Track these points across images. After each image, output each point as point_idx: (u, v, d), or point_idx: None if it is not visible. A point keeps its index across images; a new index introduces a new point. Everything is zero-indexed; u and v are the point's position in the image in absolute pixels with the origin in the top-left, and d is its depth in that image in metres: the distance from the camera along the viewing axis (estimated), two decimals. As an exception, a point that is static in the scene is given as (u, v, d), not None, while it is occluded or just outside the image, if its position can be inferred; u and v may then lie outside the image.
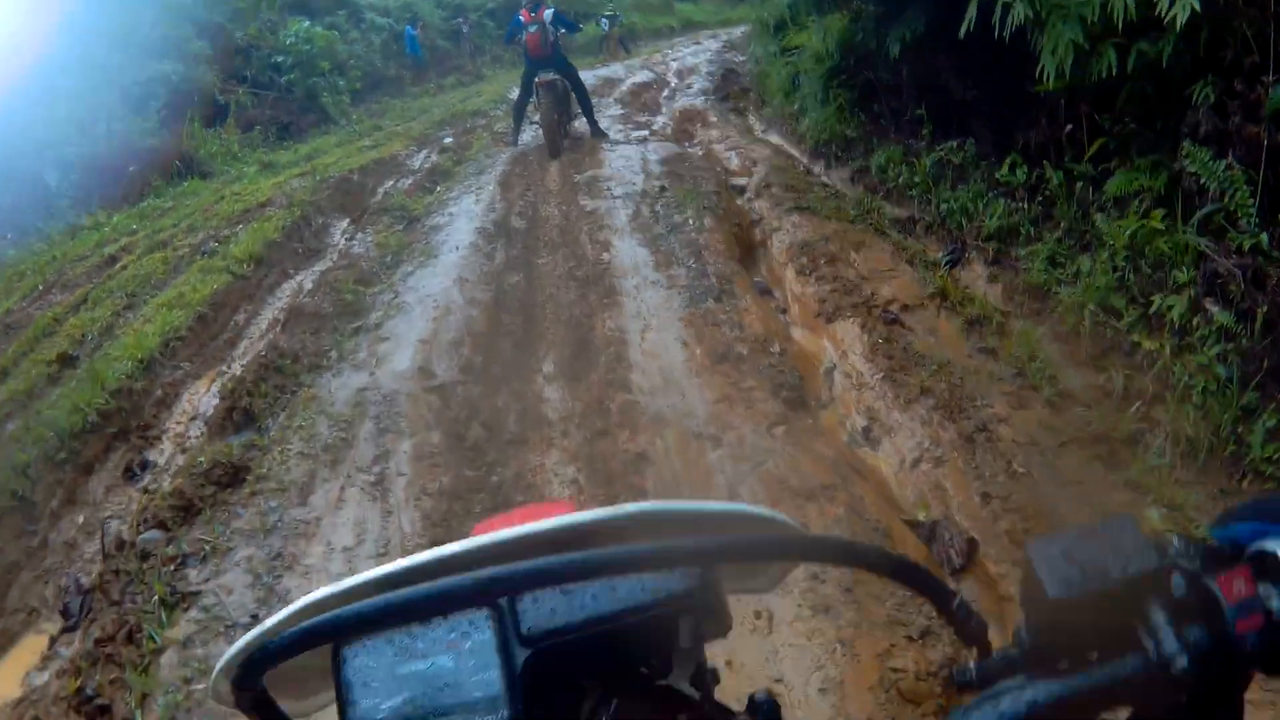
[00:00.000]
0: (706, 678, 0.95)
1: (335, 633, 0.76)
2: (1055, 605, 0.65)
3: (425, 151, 14.29)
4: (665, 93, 18.52)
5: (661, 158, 11.68)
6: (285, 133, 18.95)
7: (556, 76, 12.99)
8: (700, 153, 12.44)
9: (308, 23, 21.17)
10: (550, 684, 0.85)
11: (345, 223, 10.57)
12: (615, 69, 22.02)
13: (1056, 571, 0.66)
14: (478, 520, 2.20)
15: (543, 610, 0.84)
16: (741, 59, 21.36)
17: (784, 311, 7.51)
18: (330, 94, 20.66)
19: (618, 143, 13.25)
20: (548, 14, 13.01)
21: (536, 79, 12.82)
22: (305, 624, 0.75)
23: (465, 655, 0.82)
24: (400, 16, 26.37)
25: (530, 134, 14.23)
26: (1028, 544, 0.69)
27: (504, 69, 25.63)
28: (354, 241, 9.65)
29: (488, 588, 0.73)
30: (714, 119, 14.50)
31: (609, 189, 10.49)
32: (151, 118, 17.03)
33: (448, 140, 15.21)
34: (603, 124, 14.14)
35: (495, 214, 10.04)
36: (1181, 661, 0.62)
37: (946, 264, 7.54)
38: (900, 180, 9.01)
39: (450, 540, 0.85)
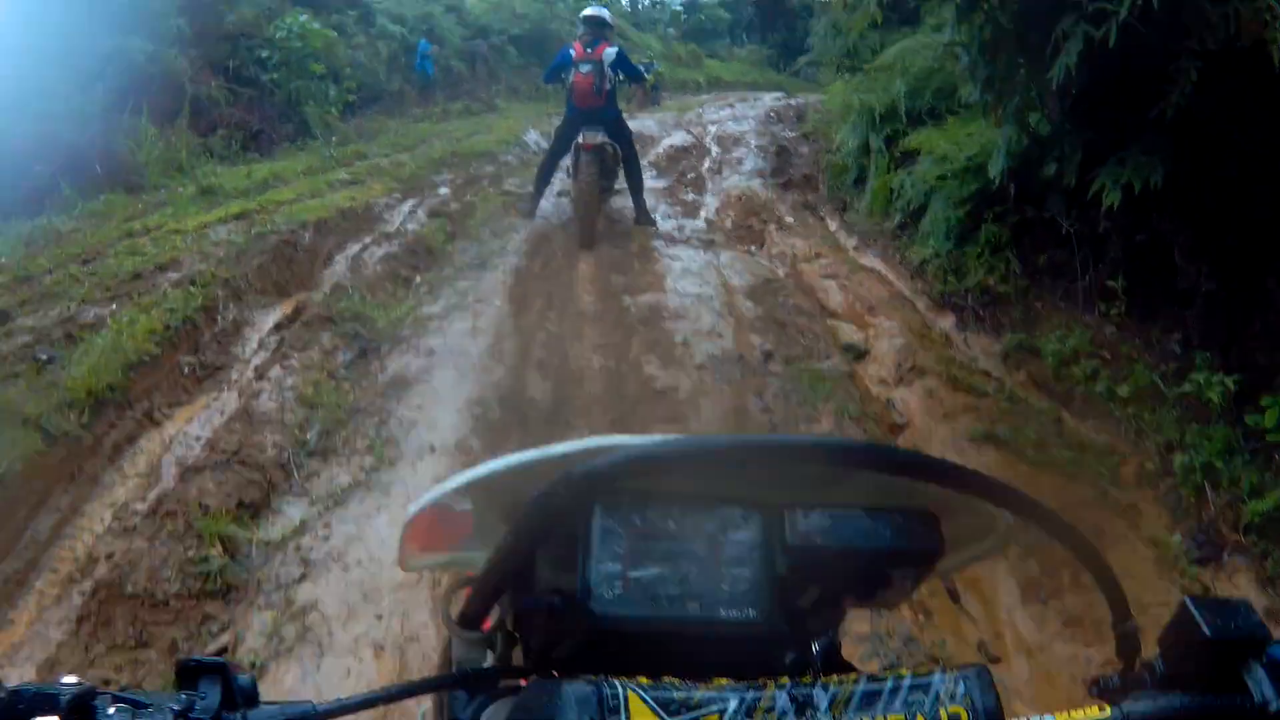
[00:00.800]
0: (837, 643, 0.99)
1: (652, 467, 0.79)
2: (1205, 643, 0.80)
3: (412, 204, 10.60)
4: (708, 163, 14.94)
5: (746, 284, 8.08)
6: (253, 142, 15.24)
7: (606, 140, 9.41)
8: (784, 272, 8.84)
9: (304, 17, 17.42)
10: (795, 594, 0.94)
11: (269, 323, 6.76)
12: (646, 123, 18.41)
13: (1209, 619, 0.81)
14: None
15: (811, 525, 0.91)
16: (792, 135, 17.88)
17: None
18: (316, 103, 16.92)
19: (673, 239, 9.64)
20: (609, 53, 9.47)
21: (580, 138, 9.23)
22: (627, 455, 0.78)
23: (724, 547, 0.91)
24: (416, 28, 22.78)
25: (550, 202, 10.61)
26: (1185, 598, 0.83)
27: (519, 102, 22.02)
28: (265, 380, 5.64)
29: (839, 456, 0.85)
30: (787, 217, 10.87)
31: (682, 343, 6.68)
32: (93, 102, 13.28)
33: (443, 190, 11.53)
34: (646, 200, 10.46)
35: (502, 368, 6.15)
36: (1276, 705, 0.79)
37: (1193, 560, 4.42)
38: (1096, 385, 5.75)
39: None
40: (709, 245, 9.41)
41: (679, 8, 47.30)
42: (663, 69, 30.94)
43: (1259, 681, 0.80)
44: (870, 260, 9.29)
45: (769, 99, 26.36)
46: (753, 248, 9.84)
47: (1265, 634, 0.82)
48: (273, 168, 12.64)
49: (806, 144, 16.90)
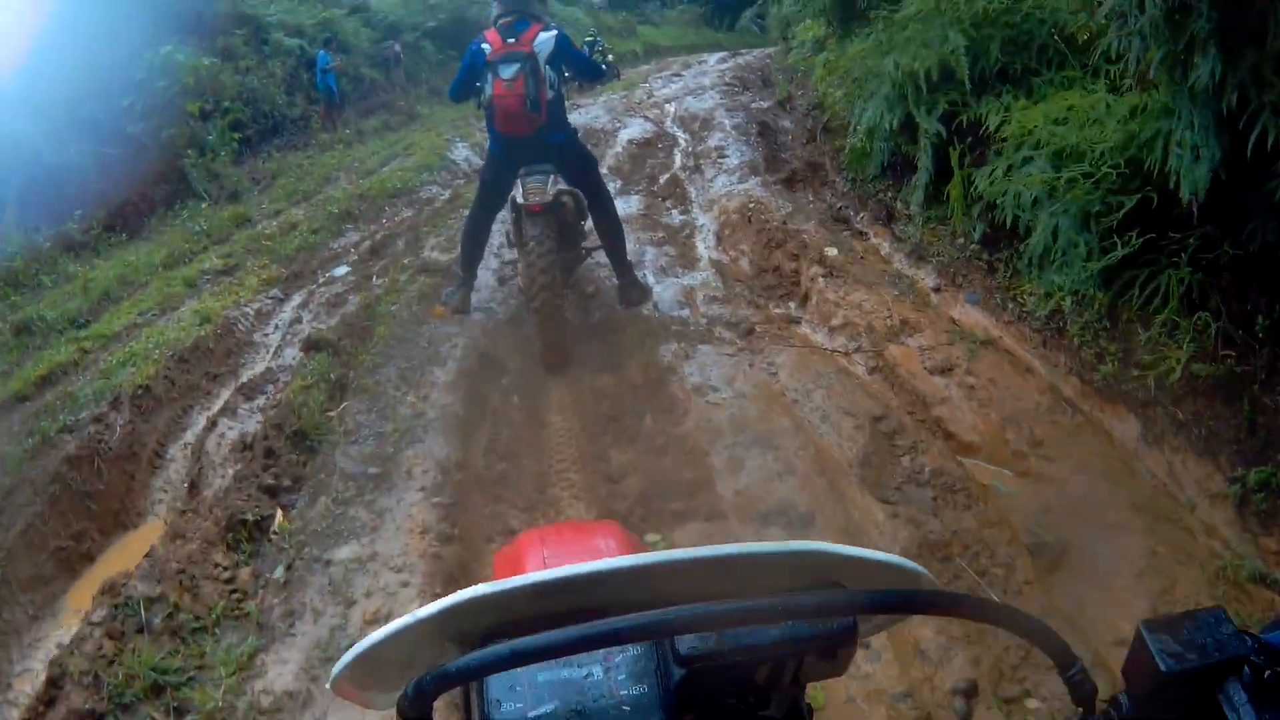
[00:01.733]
0: (804, 712, 0.98)
1: (516, 664, 0.74)
2: (1163, 678, 0.71)
3: (293, 311, 7.03)
4: (681, 159, 11.26)
5: (846, 433, 4.51)
6: (120, 219, 11.55)
7: (561, 187, 5.76)
8: (866, 369, 5.32)
9: (167, 48, 13.56)
10: (694, 702, 0.89)
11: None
12: (593, 111, 14.65)
13: (1167, 649, 0.71)
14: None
15: (704, 637, 0.85)
16: (766, 105, 14.21)
17: None
18: (195, 152, 13.13)
19: (685, 331, 5.94)
20: (544, 41, 5.73)
21: (520, 193, 5.60)
22: (489, 655, 0.73)
23: (618, 668, 0.89)
24: (317, 38, 18.89)
25: (488, 277, 7.02)
26: (1140, 624, 0.73)
27: (443, 105, 18.08)
28: None
29: (660, 629, 0.73)
30: (824, 245, 7.12)
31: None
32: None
33: (340, 271, 7.88)
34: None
35: None
36: None
37: None
38: None
39: None
40: (746, 332, 5.79)
41: (604, -27, 43.06)
42: (607, 43, 27.28)
43: (1238, 707, 0.71)
44: (969, 314, 5.78)
45: (714, 61, 22.70)
46: (797, 311, 6.31)
47: (1242, 648, 0.73)
48: (126, 263, 9.02)
49: (786, 115, 13.27)
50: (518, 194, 5.59)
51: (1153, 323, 4.28)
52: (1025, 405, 4.69)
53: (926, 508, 3.94)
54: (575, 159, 6.08)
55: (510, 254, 6.77)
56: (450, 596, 0.83)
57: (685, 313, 6.18)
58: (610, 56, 23.91)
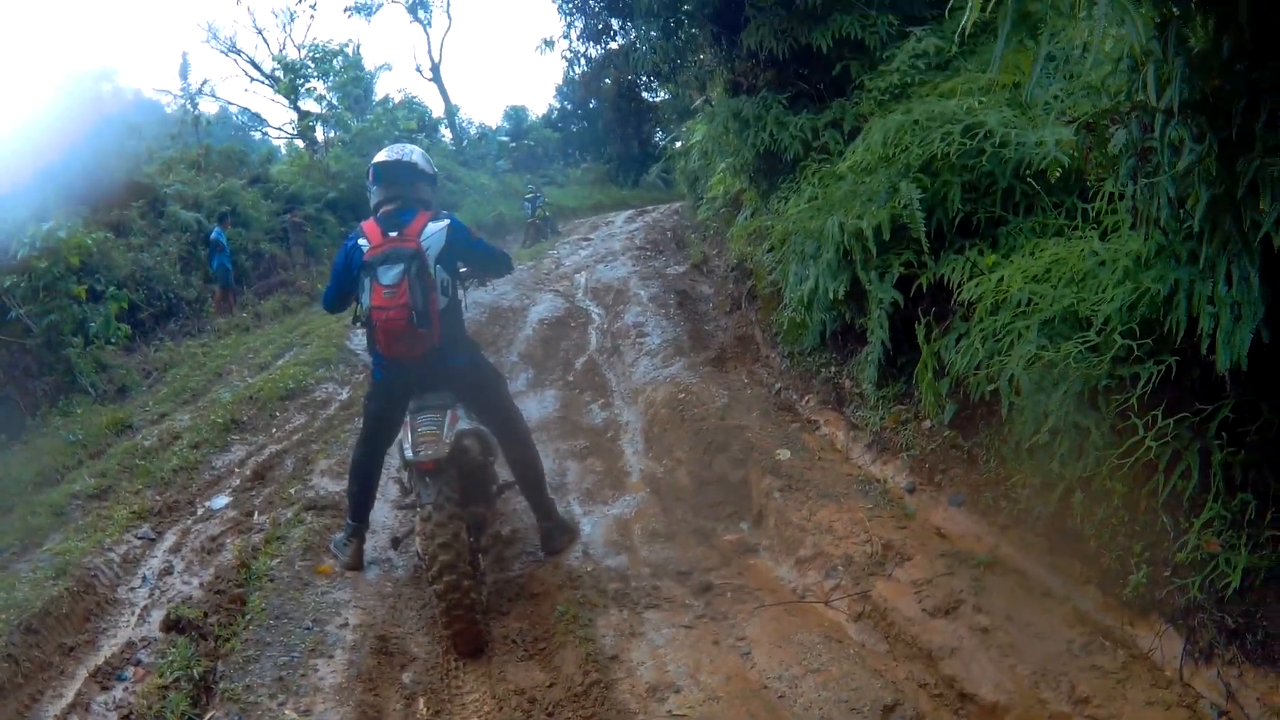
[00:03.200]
0: None
1: None
2: None
3: (160, 559, 5.83)
4: (597, 339, 10.37)
5: None
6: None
7: (463, 427, 4.75)
8: (849, 616, 4.33)
9: (49, 224, 12.32)
10: None
11: None
12: (502, 289, 13.63)
13: None
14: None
15: None
16: (681, 269, 13.43)
17: None
18: (80, 341, 11.81)
19: (625, 591, 4.72)
20: (432, 233, 4.69)
21: (409, 445, 4.52)
22: None
23: None
24: (215, 210, 17.89)
25: (384, 519, 5.89)
26: None
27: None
28: None
29: None
30: (773, 446, 6.06)
31: None
32: None
33: (219, 503, 6.66)
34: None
35: None
36: None
37: None
38: None
39: None
40: (702, 589, 4.66)
41: (505, 138, 42.86)
42: (501, 207, 26.78)
43: None
44: (956, 521, 4.76)
45: (622, 221, 22.16)
46: (752, 535, 5.27)
47: None
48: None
49: (704, 279, 12.50)
50: (407, 444, 4.49)
51: (1183, 513, 3.42)
52: (1054, 646, 3.67)
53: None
54: (478, 384, 5.01)
55: (409, 497, 5.59)
56: None
57: (623, 560, 5.06)
58: (549, 212, 23.64)
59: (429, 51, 66.99)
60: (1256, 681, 3.10)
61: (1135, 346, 3.47)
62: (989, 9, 2.82)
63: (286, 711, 3.83)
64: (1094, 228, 4.33)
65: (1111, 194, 3.97)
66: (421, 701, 4.00)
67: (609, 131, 36.70)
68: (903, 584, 4.34)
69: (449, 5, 43.47)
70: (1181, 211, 3.06)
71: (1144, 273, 3.53)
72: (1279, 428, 3.18)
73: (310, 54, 32.15)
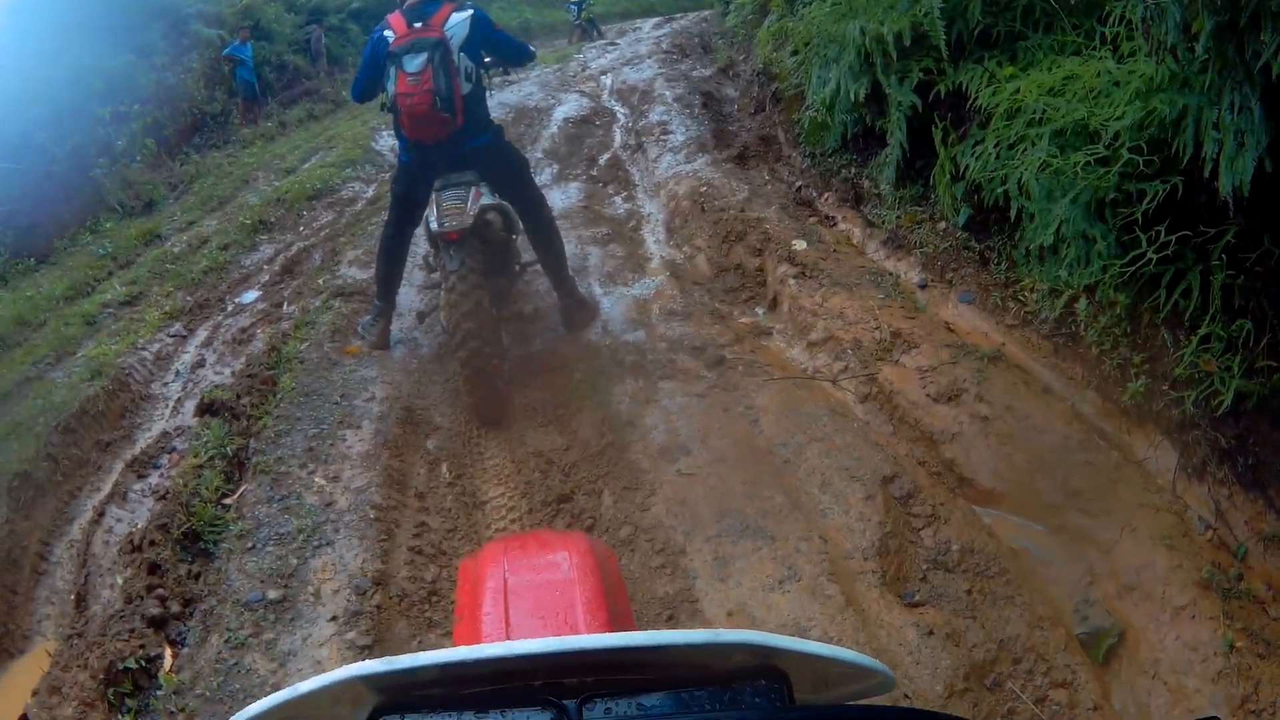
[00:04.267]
0: None
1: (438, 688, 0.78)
2: None
3: (192, 353, 6.05)
4: (621, 137, 10.22)
5: (853, 508, 3.44)
6: (25, 244, 10.30)
7: (487, 202, 4.77)
8: (857, 395, 4.42)
9: (74, 51, 12.25)
10: None
11: None
12: (528, 89, 13.47)
13: None
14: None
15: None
16: (708, 73, 13.12)
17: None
18: (107, 160, 11.85)
19: (642, 362, 4.86)
20: (457, 23, 4.68)
21: (435, 217, 4.60)
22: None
23: None
24: (236, 26, 17.49)
25: (409, 302, 5.98)
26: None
27: (370, 90, 16.83)
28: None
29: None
30: (790, 237, 6.03)
31: None
32: None
33: (249, 298, 6.83)
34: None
35: None
36: None
37: None
38: None
39: None
40: (715, 361, 4.74)
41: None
42: (528, 13, 26.03)
43: None
44: (965, 317, 4.80)
45: (650, 28, 21.54)
46: (767, 320, 5.35)
47: None
48: (25, 298, 7.98)
49: (730, 83, 12.22)
50: (432, 217, 4.56)
51: (1184, 330, 3.41)
52: (1051, 440, 3.75)
53: (962, 606, 3.01)
54: (501, 164, 5.02)
55: (435, 274, 5.70)
56: (330, 674, 0.85)
57: (640, 335, 5.14)
58: (593, 14, 23.22)
59: None
60: (1245, 505, 3.17)
61: (1142, 163, 3.42)
62: None
63: (317, 479, 4.01)
64: (1112, 50, 4.22)
65: (1130, 20, 3.85)
66: (445, 466, 4.18)
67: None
68: (908, 369, 4.41)
69: None
70: (1188, 38, 2.97)
71: (1155, 95, 3.45)
72: (1279, 258, 3.15)
73: None
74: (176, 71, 15.63)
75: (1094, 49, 4.40)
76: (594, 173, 8.98)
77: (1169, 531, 3.20)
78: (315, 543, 3.55)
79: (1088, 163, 3.64)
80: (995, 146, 4.31)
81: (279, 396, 4.81)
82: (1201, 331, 3.29)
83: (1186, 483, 3.39)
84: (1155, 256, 3.35)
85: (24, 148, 11.47)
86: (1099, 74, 4.01)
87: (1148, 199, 3.38)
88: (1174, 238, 3.30)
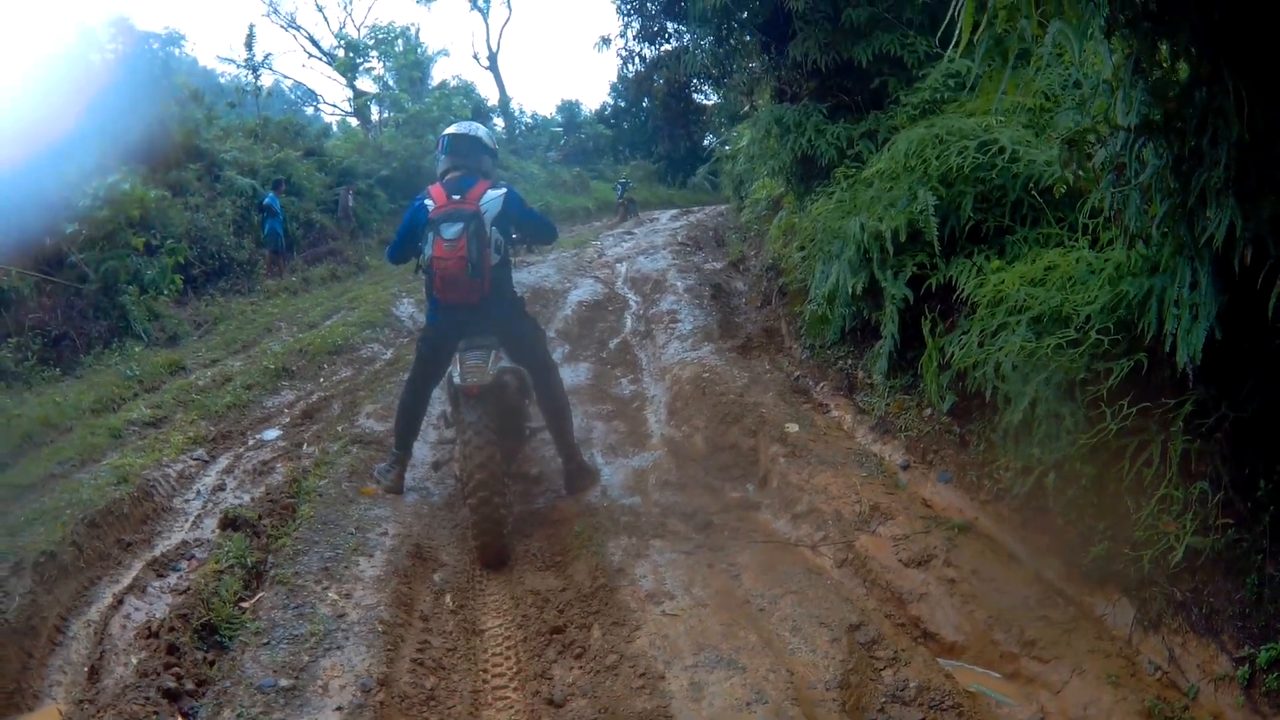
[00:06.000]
0: None
1: None
2: None
3: (213, 477, 6.61)
4: (632, 323, 10.98)
5: (820, 648, 3.87)
6: (54, 351, 10.93)
7: (504, 366, 5.43)
8: (834, 561, 4.92)
9: (114, 178, 13.09)
10: None
11: None
12: (545, 271, 14.39)
13: None
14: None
15: None
16: (719, 265, 14.07)
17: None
18: (136, 289, 12.59)
19: (637, 514, 5.44)
20: (491, 199, 5.44)
21: (458, 373, 5.24)
22: None
23: None
24: (269, 179, 18.60)
25: (423, 453, 6.58)
26: None
27: (392, 256, 17.78)
28: None
29: None
30: (784, 420, 6.61)
31: None
32: None
33: (270, 435, 7.41)
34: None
35: None
36: None
37: None
38: None
39: None
40: (703, 525, 5.29)
41: (558, 128, 43.63)
42: (550, 197, 27.49)
43: None
44: (942, 494, 5.39)
45: (667, 219, 22.78)
46: (756, 494, 5.90)
47: None
48: (54, 403, 8.43)
49: (740, 276, 13.11)
50: (455, 372, 5.18)
51: (1145, 495, 3.89)
52: (1012, 599, 4.24)
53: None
54: (520, 331, 5.69)
55: (449, 431, 6.29)
56: None
57: (636, 500, 5.70)
58: (635, 196, 25.54)
59: (487, 40, 67.96)
60: (1199, 650, 3.58)
61: (1108, 343, 4.00)
62: (976, 36, 3.36)
63: (331, 594, 4.49)
64: (1091, 241, 4.85)
65: (1104, 210, 4.50)
66: (448, 596, 4.65)
67: (659, 131, 37.38)
68: (884, 538, 4.94)
69: (509, -3, 43.96)
70: (1147, 220, 3.58)
71: (1124, 280, 4.07)
72: (1234, 422, 3.63)
73: (372, 34, 33.07)
74: (209, 215, 16.50)
75: (1074, 240, 5.02)
76: (603, 355, 9.66)
77: (1118, 672, 3.63)
78: (326, 645, 4.00)
79: (1059, 345, 4.22)
80: (980, 335, 4.89)
81: (298, 522, 5.31)
82: (1160, 493, 3.79)
83: (1143, 634, 3.81)
84: (1116, 428, 3.89)
85: (58, 263, 12.24)
86: (1077, 261, 4.62)
87: (1114, 376, 3.95)
88: (1134, 410, 3.84)
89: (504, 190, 5.51)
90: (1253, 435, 3.60)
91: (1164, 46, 3.22)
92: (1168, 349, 3.56)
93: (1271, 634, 3.34)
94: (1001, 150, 5.65)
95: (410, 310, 12.31)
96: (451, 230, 5.25)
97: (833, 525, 5.17)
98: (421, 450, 6.52)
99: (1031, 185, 5.57)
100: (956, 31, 3.29)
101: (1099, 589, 4.15)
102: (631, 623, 4.14)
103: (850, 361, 7.44)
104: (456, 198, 5.36)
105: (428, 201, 5.44)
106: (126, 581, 5.00)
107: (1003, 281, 5.00)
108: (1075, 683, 3.68)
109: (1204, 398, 3.70)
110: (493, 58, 41.09)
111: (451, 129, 5.78)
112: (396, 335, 11.07)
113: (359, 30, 34.02)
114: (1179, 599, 3.72)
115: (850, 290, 6.66)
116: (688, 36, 12.54)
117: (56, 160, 13.36)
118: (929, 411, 5.97)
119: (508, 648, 4.23)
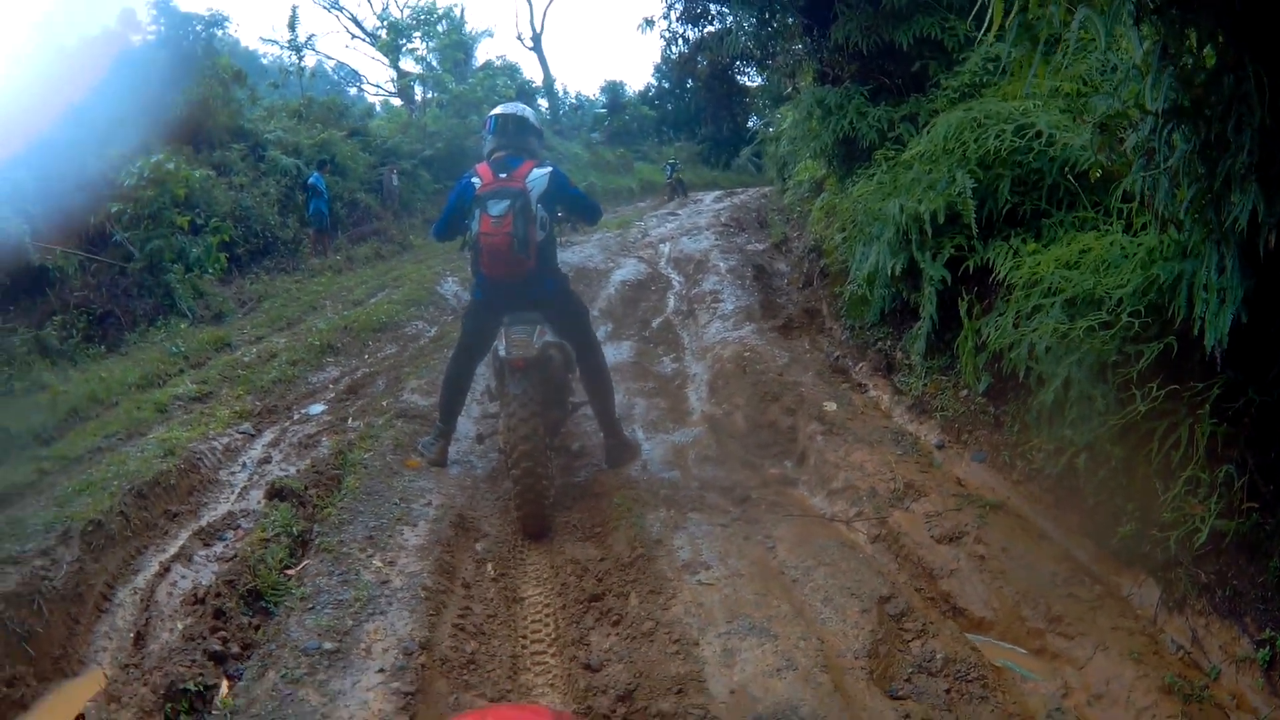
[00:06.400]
0: None
1: None
2: None
3: (259, 450, 6.85)
4: (674, 303, 11.11)
5: (850, 618, 3.96)
6: (98, 329, 11.27)
7: (549, 340, 5.60)
8: (868, 535, 5.04)
9: (158, 157, 13.40)
10: None
11: None
12: (589, 252, 14.57)
13: None
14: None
15: None
16: (761, 247, 14.18)
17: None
18: (183, 266, 12.92)
19: (675, 496, 5.53)
20: (537, 177, 5.53)
21: (503, 346, 5.38)
22: None
23: None
24: (313, 159, 18.84)
25: (468, 428, 6.78)
26: None
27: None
28: None
29: None
30: (822, 399, 6.82)
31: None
32: None
33: (316, 410, 7.65)
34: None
35: None
36: None
37: None
38: None
39: None
40: (741, 499, 5.48)
41: (602, 110, 43.75)
42: (594, 178, 27.61)
43: None
44: (976, 473, 5.51)
45: (710, 200, 22.87)
46: (794, 471, 6.04)
47: None
48: (99, 379, 8.72)
49: (782, 258, 13.20)
50: (501, 346, 5.34)
51: (1173, 478, 3.96)
52: (1040, 577, 4.34)
53: (939, 702, 3.58)
54: (564, 307, 5.83)
55: (493, 405, 6.47)
56: None
57: (676, 475, 5.86)
58: (683, 176, 25.82)
59: (531, 21, 68.22)
60: (1221, 631, 3.68)
61: (1139, 326, 4.08)
62: (1008, 21, 3.45)
63: (375, 561, 4.68)
64: (1125, 225, 4.92)
65: (1136, 195, 4.56)
66: (490, 565, 4.84)
67: (703, 112, 37.47)
68: (916, 515, 5.06)
69: (554, -23, 44.11)
70: (1177, 205, 3.66)
71: (1156, 264, 4.15)
72: (1260, 406, 3.71)
73: (415, 15, 33.29)
74: (254, 194, 16.80)
75: (1109, 223, 5.10)
76: (646, 334, 9.82)
77: (1141, 650, 3.73)
78: (370, 610, 4.19)
79: (1091, 327, 4.31)
80: (1015, 316, 5.00)
81: (343, 493, 5.51)
82: (1186, 475, 3.87)
83: (1167, 615, 3.91)
84: (1145, 410, 3.97)
85: (103, 242, 12.58)
86: (1111, 245, 4.71)
87: (1144, 359, 4.04)
88: (1163, 392, 3.92)
89: (549, 169, 5.64)
90: (1278, 420, 3.68)
91: (1191, 33, 3.29)
92: (1197, 333, 3.64)
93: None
94: (1039, 134, 5.74)
95: (454, 288, 12.53)
96: (498, 207, 5.36)
97: (867, 501, 5.30)
98: (465, 425, 6.72)
99: (1068, 169, 5.64)
100: (988, 16, 3.37)
101: (1126, 569, 4.26)
102: (668, 591, 4.29)
103: (889, 342, 7.57)
104: (503, 175, 5.49)
105: (475, 179, 5.56)
106: (173, 550, 5.22)
107: (1038, 264, 5.10)
108: (1099, 659, 3.79)
109: (1231, 381, 3.78)
110: (536, 38, 41.24)
111: (498, 109, 5.92)
112: (440, 313, 11.28)
113: (401, 11, 34.24)
114: (1203, 580, 3.81)
115: (889, 271, 6.77)
116: (730, 18, 12.64)
117: (100, 141, 13.71)
118: (965, 392, 6.09)
119: (547, 615, 4.41)
